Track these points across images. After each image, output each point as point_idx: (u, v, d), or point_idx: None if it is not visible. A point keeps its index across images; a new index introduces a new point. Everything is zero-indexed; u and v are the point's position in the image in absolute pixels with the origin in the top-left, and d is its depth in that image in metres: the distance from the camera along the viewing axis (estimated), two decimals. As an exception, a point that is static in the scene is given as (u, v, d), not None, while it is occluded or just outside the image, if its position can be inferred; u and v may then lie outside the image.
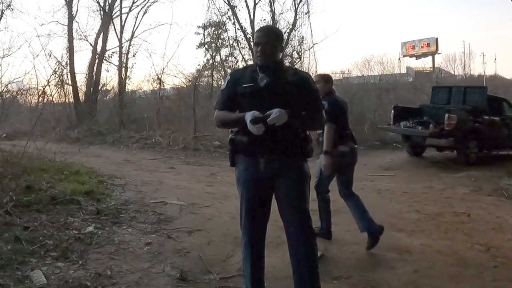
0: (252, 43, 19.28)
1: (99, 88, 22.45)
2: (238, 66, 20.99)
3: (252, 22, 20.04)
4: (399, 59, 46.22)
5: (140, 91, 22.76)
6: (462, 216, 6.47)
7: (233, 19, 20.72)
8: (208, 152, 14.15)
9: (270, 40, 3.35)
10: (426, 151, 13.16)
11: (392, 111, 13.02)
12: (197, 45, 24.67)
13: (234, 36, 21.50)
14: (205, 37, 23.66)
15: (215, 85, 21.76)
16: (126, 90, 22.09)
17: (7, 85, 18.07)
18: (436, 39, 48.79)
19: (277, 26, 19.41)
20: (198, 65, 23.07)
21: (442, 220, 6.26)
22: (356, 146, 5.27)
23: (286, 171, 3.31)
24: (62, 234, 4.80)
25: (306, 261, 3.34)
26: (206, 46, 23.66)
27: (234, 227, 5.54)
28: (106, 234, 5.05)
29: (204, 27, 23.05)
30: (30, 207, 5.50)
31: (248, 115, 3.14)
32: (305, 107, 3.34)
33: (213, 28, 22.82)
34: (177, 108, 19.91)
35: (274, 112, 3.09)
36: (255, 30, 3.72)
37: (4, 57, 20.28)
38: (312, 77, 3.69)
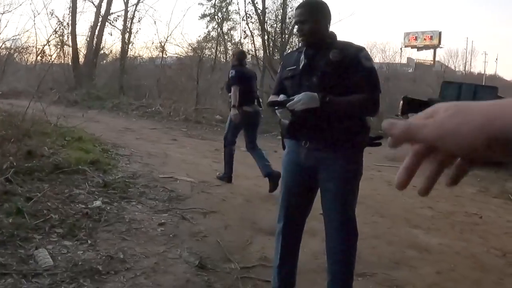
0: (261, 19, 18.86)
1: (100, 51, 21.89)
2: (244, 40, 20.54)
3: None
4: (401, 48, 45.91)
5: (141, 58, 22.27)
6: (475, 217, 6.28)
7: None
8: (210, 126, 13.78)
9: (309, 17, 2.90)
10: None
11: (401, 102, 12.69)
12: (199, 16, 24.22)
13: (245, 10, 20.95)
14: (209, 8, 23.17)
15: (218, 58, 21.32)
16: (128, 56, 21.57)
17: (5, 41, 17.50)
18: (440, 33, 48.33)
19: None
20: (199, 36, 22.62)
21: (456, 220, 6.06)
22: (261, 109, 6.62)
23: (330, 164, 2.92)
24: (68, 208, 4.38)
25: (344, 262, 3.00)
26: (209, 17, 23.20)
27: (249, 211, 5.21)
28: (115, 210, 4.64)
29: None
30: (31, 175, 5.09)
31: (280, 96, 2.89)
32: (356, 89, 2.85)
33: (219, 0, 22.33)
34: (178, 78, 19.43)
35: (298, 96, 2.74)
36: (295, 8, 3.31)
37: (4, 13, 19.67)
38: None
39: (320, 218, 3.06)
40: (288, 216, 3.09)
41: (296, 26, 3.04)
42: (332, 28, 3.01)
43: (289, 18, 18.58)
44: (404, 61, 43.79)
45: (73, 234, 3.89)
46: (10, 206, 4.13)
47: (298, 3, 3.17)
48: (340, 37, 3.01)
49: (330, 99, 2.75)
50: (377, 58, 37.51)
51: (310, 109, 2.74)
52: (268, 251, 4.14)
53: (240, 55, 6.85)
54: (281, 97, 2.88)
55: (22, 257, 3.40)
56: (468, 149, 0.61)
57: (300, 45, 3.35)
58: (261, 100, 6.77)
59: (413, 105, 12.83)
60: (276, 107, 2.89)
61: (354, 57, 2.84)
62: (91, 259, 3.51)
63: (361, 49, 2.91)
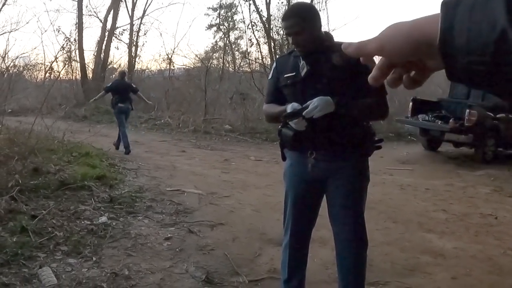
0: (267, 27, 18.80)
1: (108, 65, 21.95)
2: (250, 49, 20.50)
3: (268, 5, 19.35)
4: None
5: (148, 70, 22.32)
6: (490, 218, 6.13)
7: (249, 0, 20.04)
8: (219, 136, 13.69)
9: (301, 27, 2.71)
10: (441, 146, 12.72)
11: (411, 104, 12.54)
12: (206, 27, 24.26)
13: (250, 18, 20.93)
14: (215, 18, 23.22)
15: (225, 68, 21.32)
16: (135, 69, 21.62)
17: (14, 59, 17.57)
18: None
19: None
20: (207, 46, 22.67)
21: (470, 222, 5.91)
22: (132, 109, 10.49)
23: (338, 174, 2.82)
24: (73, 224, 4.34)
25: (354, 271, 2.91)
26: (215, 27, 23.25)
27: (258, 222, 5.12)
28: (121, 225, 4.59)
29: (217, 8, 22.52)
30: (37, 192, 5.06)
31: (288, 108, 2.68)
32: (363, 93, 2.72)
33: (224, 10, 22.33)
34: (186, 89, 19.43)
35: (313, 102, 2.57)
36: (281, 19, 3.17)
37: (12, 31, 19.79)
38: None
39: (330, 226, 2.98)
40: (294, 229, 3.00)
41: (289, 37, 2.88)
42: (337, 32, 2.94)
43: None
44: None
45: (78, 251, 3.84)
46: (14, 224, 4.09)
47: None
48: (354, 39, 2.92)
49: (346, 102, 2.66)
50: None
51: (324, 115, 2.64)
52: (277, 263, 4.04)
53: (121, 74, 11.07)
54: (292, 106, 2.68)
55: (26, 276, 3.36)
56: (401, 54, 0.74)
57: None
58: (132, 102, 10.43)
59: (422, 106, 12.69)
60: (291, 119, 2.69)
61: (358, 59, 2.73)
62: (95, 276, 3.45)
63: None
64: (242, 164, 9.28)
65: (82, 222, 4.46)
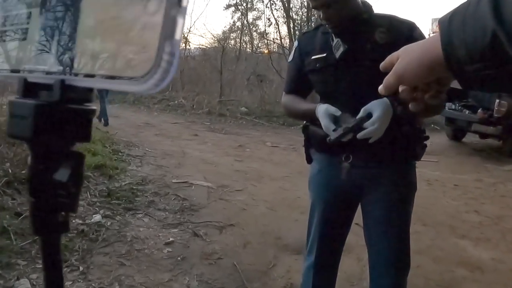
0: (286, 6, 18.06)
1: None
2: (268, 29, 19.81)
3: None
4: (429, 35, 44.80)
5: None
6: None
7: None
8: (235, 119, 13.14)
9: (331, 1, 2.03)
10: (466, 136, 12.08)
11: None
12: (224, 6, 23.62)
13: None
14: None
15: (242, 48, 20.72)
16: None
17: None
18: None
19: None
20: (224, 26, 22.06)
21: (506, 227, 5.36)
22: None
23: (379, 182, 2.18)
24: (62, 224, 3.77)
25: None
26: (233, 7, 22.57)
27: (273, 222, 4.55)
28: (117, 226, 4.02)
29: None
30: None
31: (321, 113, 2.03)
32: None
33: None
34: (202, 69, 18.85)
35: (373, 118, 1.92)
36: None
37: None
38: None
39: (355, 230, 2.38)
40: (321, 249, 2.39)
41: (317, 12, 2.16)
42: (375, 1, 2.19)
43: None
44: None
45: (64, 259, 3.27)
46: (-5, 224, 3.54)
47: None
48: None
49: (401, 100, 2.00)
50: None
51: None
52: (294, 276, 3.49)
53: None
54: (327, 111, 2.01)
55: (-1, 290, 2.84)
56: (419, 79, 0.85)
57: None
58: None
59: (449, 94, 12.04)
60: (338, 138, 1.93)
61: (408, 38, 1.97)
62: (79, 293, 2.91)
63: (414, 27, 2.10)
64: (257, 151, 8.70)
65: (73, 221, 3.88)
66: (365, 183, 2.20)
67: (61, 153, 0.55)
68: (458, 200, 6.37)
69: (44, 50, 0.58)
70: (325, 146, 2.19)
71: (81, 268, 3.21)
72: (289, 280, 3.48)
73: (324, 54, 2.15)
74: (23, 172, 4.57)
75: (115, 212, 4.28)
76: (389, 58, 0.92)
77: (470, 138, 11.94)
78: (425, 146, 2.26)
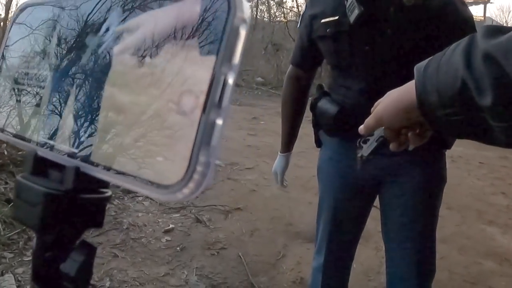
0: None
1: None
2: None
3: None
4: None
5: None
6: None
7: None
8: (250, 89, 12.78)
9: None
10: None
11: None
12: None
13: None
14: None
15: (259, 17, 20.25)
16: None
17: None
18: (490, -13, 45.90)
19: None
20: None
21: None
22: None
23: (401, 174, 1.82)
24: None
25: None
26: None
27: (284, 206, 4.22)
28: (114, 211, 3.71)
29: None
30: (22, 166, 4.21)
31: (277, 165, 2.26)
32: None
33: None
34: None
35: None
36: None
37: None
38: None
39: (374, 214, 2.03)
40: (331, 249, 2.03)
41: None
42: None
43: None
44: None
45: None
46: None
47: None
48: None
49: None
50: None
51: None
52: (304, 269, 3.18)
53: None
54: (371, 141, 1.56)
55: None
56: (396, 122, 0.91)
57: None
58: None
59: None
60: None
61: (443, 5, 1.65)
62: (65, 291, 2.62)
63: None
64: (272, 124, 8.33)
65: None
66: (385, 175, 1.83)
67: (70, 243, 0.49)
68: (484, 180, 6.03)
69: (59, 123, 0.50)
70: (336, 128, 1.84)
71: (70, 261, 2.93)
72: (299, 274, 3.17)
73: (336, 17, 1.74)
74: (20, 153, 4.29)
75: (114, 195, 3.97)
76: (374, 106, 0.97)
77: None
78: None
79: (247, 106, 10.34)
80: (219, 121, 0.36)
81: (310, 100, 2.01)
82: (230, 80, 0.36)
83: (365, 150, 1.52)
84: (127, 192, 4.07)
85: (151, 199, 4.05)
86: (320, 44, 1.86)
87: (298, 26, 2.08)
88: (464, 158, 7.04)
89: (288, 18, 18.36)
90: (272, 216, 4.06)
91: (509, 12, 49.32)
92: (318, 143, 2.07)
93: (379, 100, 0.95)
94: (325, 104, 1.86)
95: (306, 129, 6.78)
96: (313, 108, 1.94)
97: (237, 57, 0.36)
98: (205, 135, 0.35)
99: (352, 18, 1.67)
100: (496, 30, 0.69)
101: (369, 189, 1.91)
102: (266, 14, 23.15)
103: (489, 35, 0.69)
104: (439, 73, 0.74)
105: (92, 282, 2.21)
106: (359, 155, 1.55)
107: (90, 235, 3.28)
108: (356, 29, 1.69)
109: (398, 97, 0.86)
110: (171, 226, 3.59)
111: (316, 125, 2.00)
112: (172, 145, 0.37)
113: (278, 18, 20.73)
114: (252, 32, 17.72)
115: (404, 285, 1.91)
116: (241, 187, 4.70)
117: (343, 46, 1.76)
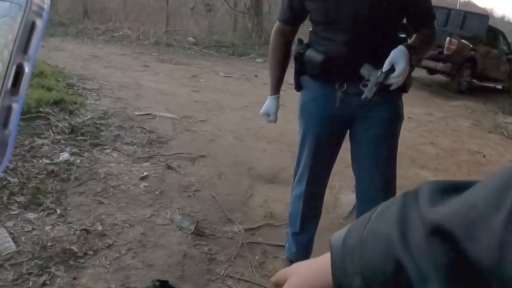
0: None
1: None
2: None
3: None
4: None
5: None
6: (478, 156, 6.07)
7: None
8: (183, 49, 12.78)
9: None
10: (414, 71, 12.38)
11: None
12: None
13: None
14: None
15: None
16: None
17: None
18: None
19: None
20: None
21: (461, 159, 5.78)
22: None
23: (371, 112, 2.19)
24: (29, 165, 3.59)
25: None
26: None
27: (243, 153, 4.53)
28: (87, 163, 3.86)
29: None
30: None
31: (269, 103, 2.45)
32: (411, 15, 2.16)
33: None
34: (145, -2, 18.12)
35: (398, 68, 1.98)
36: None
37: None
38: None
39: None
40: (313, 177, 2.40)
41: None
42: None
43: None
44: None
45: (38, 202, 3.14)
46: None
47: None
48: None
49: (414, 45, 2.08)
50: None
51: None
52: (272, 205, 3.53)
53: None
54: (370, 85, 2.04)
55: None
56: None
57: None
58: None
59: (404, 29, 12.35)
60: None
61: None
62: (62, 236, 2.81)
63: None
64: (212, 81, 8.55)
65: (40, 161, 3.72)
66: (359, 111, 2.19)
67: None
68: (413, 132, 6.61)
69: None
70: (322, 73, 2.16)
71: (58, 211, 3.09)
72: (268, 209, 3.51)
73: None
74: None
75: (82, 148, 4.12)
76: (277, 276, 0.72)
77: (418, 73, 12.12)
78: (411, 78, 2.29)
79: (183, 65, 10.41)
80: (15, 106, 0.39)
81: (296, 52, 2.30)
82: (27, 69, 0.40)
83: (368, 92, 1.94)
84: (95, 145, 4.24)
85: (118, 150, 4.24)
86: (310, 5, 2.14)
87: None
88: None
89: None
90: (234, 161, 4.35)
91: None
92: (298, 87, 2.38)
93: (279, 273, 0.73)
94: (311, 53, 2.17)
95: (245, 86, 7.19)
96: (298, 57, 2.25)
97: (32, 48, 0.39)
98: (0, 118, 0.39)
99: None
100: (448, 188, 0.53)
101: (344, 125, 2.28)
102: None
103: (437, 199, 0.52)
104: (364, 249, 0.56)
105: (84, 227, 2.44)
106: (363, 96, 1.95)
107: (70, 186, 3.46)
108: None
109: (310, 275, 0.66)
110: (145, 173, 3.80)
111: (299, 71, 2.30)
112: None
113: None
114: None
115: (373, 203, 2.28)
116: (200, 137, 4.95)
117: (330, 4, 2.05)
